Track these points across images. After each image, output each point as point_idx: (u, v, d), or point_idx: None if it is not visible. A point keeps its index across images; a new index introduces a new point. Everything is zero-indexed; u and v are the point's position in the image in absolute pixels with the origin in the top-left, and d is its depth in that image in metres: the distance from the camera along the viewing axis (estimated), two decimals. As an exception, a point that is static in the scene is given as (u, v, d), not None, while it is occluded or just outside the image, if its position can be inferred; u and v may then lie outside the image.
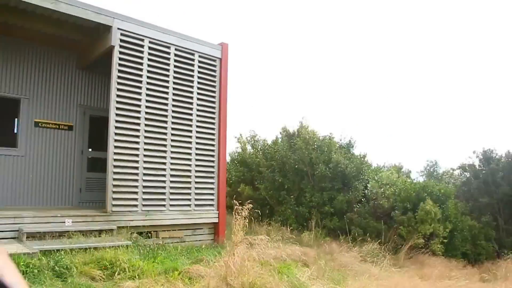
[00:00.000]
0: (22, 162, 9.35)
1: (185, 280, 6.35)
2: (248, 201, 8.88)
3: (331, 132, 14.00)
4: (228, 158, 16.14)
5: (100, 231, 7.78)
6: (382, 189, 12.19)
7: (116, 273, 6.31)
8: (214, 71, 10.15)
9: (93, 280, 6.00)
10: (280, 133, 14.56)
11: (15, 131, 9.62)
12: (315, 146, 13.12)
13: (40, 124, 9.60)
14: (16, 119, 9.60)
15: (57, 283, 5.72)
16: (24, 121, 9.47)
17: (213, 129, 10.05)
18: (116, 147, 8.43)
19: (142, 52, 8.87)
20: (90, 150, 10.56)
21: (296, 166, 12.95)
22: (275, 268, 6.95)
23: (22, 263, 5.81)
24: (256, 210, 10.96)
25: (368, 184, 12.69)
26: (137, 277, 6.27)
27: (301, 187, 12.88)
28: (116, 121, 8.46)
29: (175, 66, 9.40)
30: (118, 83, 8.50)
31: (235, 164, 15.54)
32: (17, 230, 7.14)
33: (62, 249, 6.59)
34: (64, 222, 7.64)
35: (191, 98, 9.66)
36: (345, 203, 12.27)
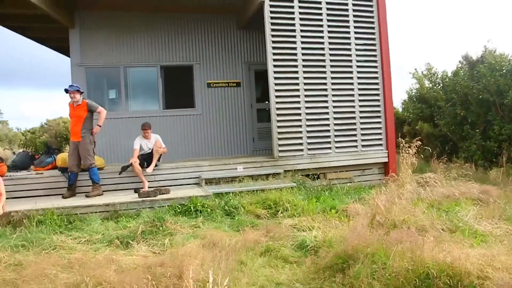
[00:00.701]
0: (200, 119, 10.78)
1: (341, 217, 6.54)
2: (417, 139, 8.48)
3: (524, 53, 11.94)
4: (405, 96, 15.33)
5: (267, 175, 8.49)
6: None
7: (279, 212, 6.88)
8: (371, 6, 9.68)
9: (258, 218, 6.68)
10: (460, 62, 13.09)
11: (191, 92, 11.00)
12: (504, 71, 11.46)
13: (211, 85, 10.84)
14: (191, 83, 10.96)
15: (226, 220, 6.57)
16: (198, 83, 10.81)
17: (375, 66, 9.73)
18: (277, 96, 8.96)
19: (292, 1, 9.02)
20: (258, 102, 11.38)
21: (480, 97, 11.57)
22: (434, 205, 6.59)
23: (199, 204, 6.84)
24: (427, 148, 10.33)
25: None
26: (297, 215, 6.72)
27: (487, 120, 11.52)
28: (275, 72, 8.93)
29: (327, 9, 9.31)
30: (272, 36, 8.91)
31: (413, 101, 14.67)
32: (198, 177, 8.36)
33: (232, 192, 7.47)
34: (236, 168, 8.57)
35: (348, 38, 9.49)
36: (548, 134, 10.55)
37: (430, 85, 14.12)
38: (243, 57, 11.07)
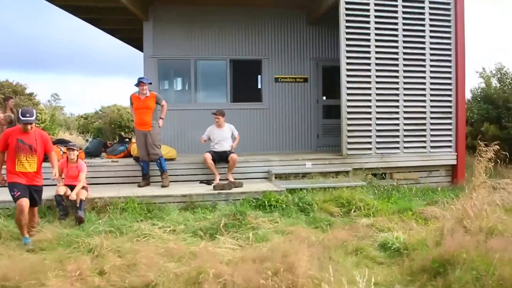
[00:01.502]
0: (267, 114, 10.84)
1: (418, 220, 6.45)
2: (495, 143, 8.16)
3: None
4: (469, 95, 14.82)
5: (336, 173, 8.47)
6: None
7: (352, 210, 6.88)
8: (448, 3, 9.37)
9: (331, 216, 6.69)
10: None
11: (259, 86, 11.18)
12: None
13: (279, 80, 10.88)
14: (259, 77, 11.10)
15: (301, 216, 6.61)
16: (266, 78, 10.88)
17: (449, 66, 9.41)
18: (348, 94, 8.90)
19: (368, -3, 8.91)
20: (324, 98, 11.28)
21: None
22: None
23: (272, 198, 6.90)
24: (504, 152, 9.92)
25: None
26: (371, 215, 6.70)
27: (563, 124, 11.00)
28: (347, 69, 8.88)
29: (403, 6, 9.10)
30: (347, 33, 8.85)
31: (478, 101, 14.14)
32: (267, 172, 8.49)
33: (304, 188, 7.49)
34: (305, 164, 8.59)
35: (423, 37, 9.24)
36: None
37: (499, 85, 13.59)
38: (311, 53, 10.99)
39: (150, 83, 7.88)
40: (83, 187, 6.49)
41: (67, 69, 72.11)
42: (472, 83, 19.38)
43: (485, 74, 13.94)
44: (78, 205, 6.14)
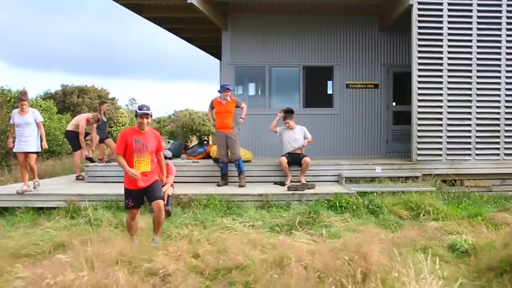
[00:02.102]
0: (337, 119, 11.24)
1: (488, 225, 6.54)
2: None
3: None
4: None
5: (406, 178, 8.65)
6: None
7: (421, 214, 7.08)
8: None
9: (400, 219, 6.95)
10: None
11: (330, 92, 11.65)
12: None
13: (350, 86, 11.23)
14: (330, 82, 11.57)
15: (371, 217, 6.93)
16: (337, 84, 11.27)
17: (527, 69, 9.25)
18: (419, 100, 9.05)
19: (441, 4, 9.00)
20: (394, 104, 11.48)
21: None
22: None
23: (343, 200, 7.28)
24: None
25: None
26: (440, 219, 6.86)
27: None
28: (419, 76, 9.04)
29: (478, 11, 9.05)
30: (419, 39, 8.99)
31: None
32: (337, 175, 8.86)
33: (374, 191, 7.79)
34: (375, 169, 8.86)
35: (499, 41, 9.13)
36: None
37: None
38: (382, 59, 11.22)
39: (233, 90, 8.54)
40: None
41: (139, 74, 76.11)
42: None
43: None
44: (165, 201, 6.88)
